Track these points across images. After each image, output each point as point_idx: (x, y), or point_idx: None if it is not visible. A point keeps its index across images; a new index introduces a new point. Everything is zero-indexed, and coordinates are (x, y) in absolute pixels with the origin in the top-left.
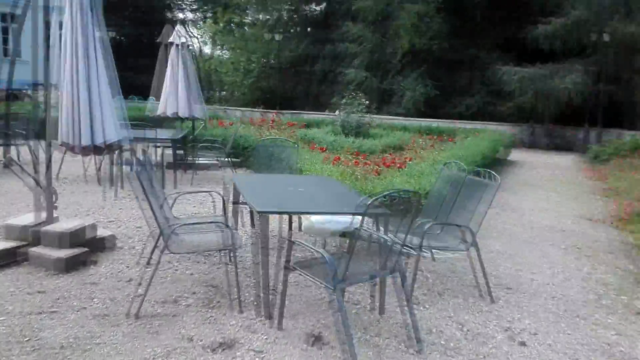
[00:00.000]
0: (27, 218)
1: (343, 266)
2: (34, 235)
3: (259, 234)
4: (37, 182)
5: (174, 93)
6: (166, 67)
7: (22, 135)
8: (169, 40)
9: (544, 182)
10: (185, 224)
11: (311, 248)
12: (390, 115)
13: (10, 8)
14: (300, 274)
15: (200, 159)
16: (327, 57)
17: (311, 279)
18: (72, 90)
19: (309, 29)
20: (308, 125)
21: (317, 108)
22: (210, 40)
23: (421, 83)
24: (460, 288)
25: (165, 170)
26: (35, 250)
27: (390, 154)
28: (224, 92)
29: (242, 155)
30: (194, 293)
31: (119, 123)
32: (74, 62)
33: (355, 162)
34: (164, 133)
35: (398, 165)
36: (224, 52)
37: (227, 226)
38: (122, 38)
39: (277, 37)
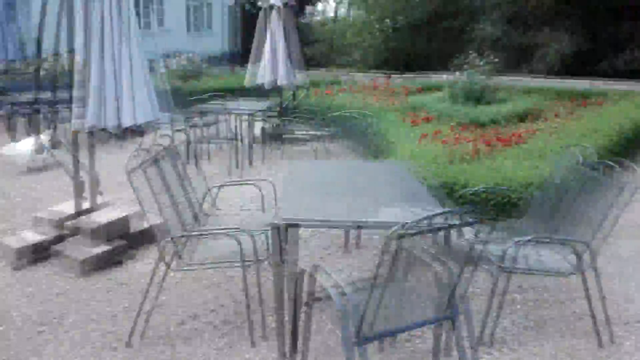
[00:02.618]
0: (65, 207)
1: (367, 310)
2: (69, 227)
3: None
4: (77, 168)
5: (270, 60)
6: (266, 32)
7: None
8: (270, 3)
9: None
10: (191, 234)
11: (332, 278)
12: (531, 74)
13: None
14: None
15: (295, 131)
16: (464, 12)
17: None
18: (97, 66)
19: None
20: (428, 89)
21: (449, 69)
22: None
23: (561, 37)
24: (564, 319)
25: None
26: (63, 245)
27: (518, 130)
28: (346, 56)
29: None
30: (213, 311)
31: (153, 100)
32: (99, 34)
33: (457, 138)
34: (250, 104)
35: (515, 140)
36: (350, 11)
37: (243, 231)
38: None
39: None
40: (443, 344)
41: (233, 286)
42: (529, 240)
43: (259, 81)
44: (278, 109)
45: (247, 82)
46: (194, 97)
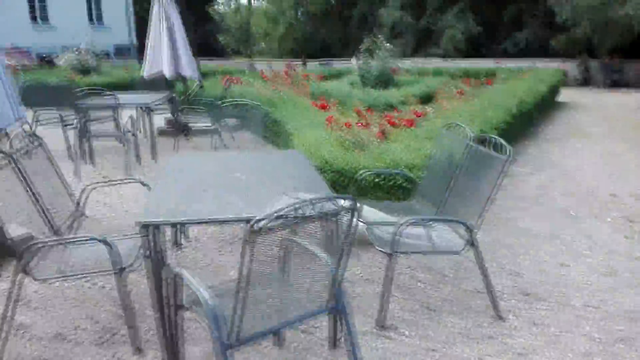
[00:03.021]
0: None
1: (237, 313)
2: None
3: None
4: None
5: (158, 51)
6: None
7: None
8: None
9: (600, 129)
10: (54, 243)
11: (193, 284)
12: (429, 57)
13: None
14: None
15: (197, 123)
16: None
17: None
18: None
19: None
20: (335, 76)
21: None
22: None
23: (463, 19)
24: (459, 299)
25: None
26: None
27: (414, 109)
28: (261, 44)
29: (242, 117)
30: (85, 328)
31: (11, 98)
32: None
33: (347, 124)
34: (148, 97)
35: (405, 123)
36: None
37: (105, 242)
38: None
39: None
40: (333, 332)
41: (104, 297)
42: (413, 222)
43: (151, 70)
44: (180, 100)
45: (144, 73)
46: (89, 92)
